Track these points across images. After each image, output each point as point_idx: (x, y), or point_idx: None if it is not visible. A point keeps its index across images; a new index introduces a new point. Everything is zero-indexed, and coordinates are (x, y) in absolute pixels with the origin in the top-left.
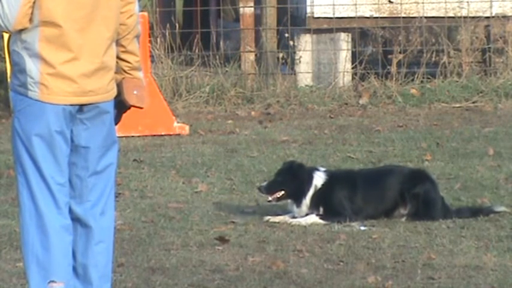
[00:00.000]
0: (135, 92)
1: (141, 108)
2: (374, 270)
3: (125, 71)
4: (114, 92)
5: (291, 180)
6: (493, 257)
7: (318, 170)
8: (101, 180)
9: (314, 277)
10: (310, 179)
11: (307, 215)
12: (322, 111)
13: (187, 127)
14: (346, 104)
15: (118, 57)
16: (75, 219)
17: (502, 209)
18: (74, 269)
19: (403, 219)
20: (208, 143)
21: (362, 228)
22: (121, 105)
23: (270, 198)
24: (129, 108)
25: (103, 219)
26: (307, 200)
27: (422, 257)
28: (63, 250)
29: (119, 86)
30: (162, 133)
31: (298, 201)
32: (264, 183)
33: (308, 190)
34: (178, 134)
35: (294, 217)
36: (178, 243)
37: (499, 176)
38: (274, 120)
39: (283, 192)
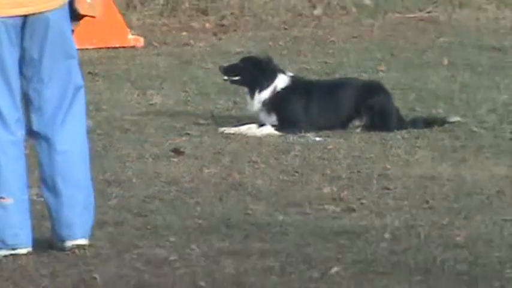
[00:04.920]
0: (88, 1)
1: (94, 17)
2: (329, 180)
3: None
4: (61, 0)
5: (252, 70)
6: (448, 167)
7: (284, 73)
8: (56, 90)
9: (269, 188)
10: (273, 78)
11: (262, 125)
12: (276, 22)
13: (141, 39)
14: (301, 15)
15: None
16: (37, 132)
17: (456, 119)
18: (44, 181)
19: (358, 130)
20: (163, 55)
21: (317, 139)
22: (73, 15)
23: (225, 78)
24: (82, 17)
25: (64, 130)
26: (261, 96)
27: (378, 167)
28: (11, 166)
29: None
30: (117, 45)
31: (252, 93)
32: (226, 64)
33: (266, 87)
34: (133, 46)
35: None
36: (134, 156)
37: (454, 86)
38: (229, 31)
39: (239, 77)
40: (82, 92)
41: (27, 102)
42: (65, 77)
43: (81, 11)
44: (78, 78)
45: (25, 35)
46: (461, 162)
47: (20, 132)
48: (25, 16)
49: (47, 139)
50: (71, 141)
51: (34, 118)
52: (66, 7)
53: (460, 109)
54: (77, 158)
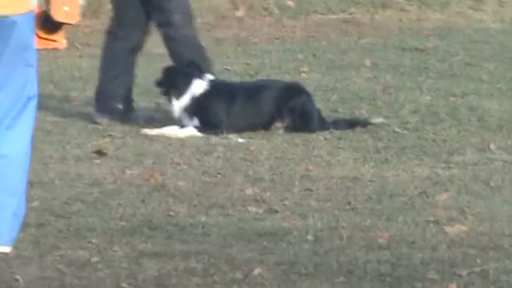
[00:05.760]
0: (65, 8)
1: (71, 24)
2: (252, 182)
3: None
4: (30, 5)
5: (169, 79)
6: (371, 168)
7: (200, 77)
8: (10, 97)
9: (192, 190)
10: (187, 84)
11: (183, 126)
12: (198, 24)
13: (64, 41)
14: (223, 16)
15: None
16: None
17: (379, 120)
18: None
19: (281, 131)
20: (86, 57)
21: (240, 140)
22: (49, 23)
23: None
24: (62, 25)
25: (8, 134)
26: (180, 103)
27: (300, 168)
28: None
29: (47, 1)
30: (39, 47)
31: (170, 100)
32: (158, 78)
33: (182, 94)
34: (56, 48)
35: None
36: (56, 157)
37: (376, 87)
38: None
39: (164, 88)
40: (34, 102)
41: None
42: (20, 84)
43: (59, 18)
44: (33, 88)
45: None
46: (383, 163)
47: None
48: None
49: None
50: (14, 147)
51: None
52: (33, 13)
53: (382, 110)
54: (16, 165)
